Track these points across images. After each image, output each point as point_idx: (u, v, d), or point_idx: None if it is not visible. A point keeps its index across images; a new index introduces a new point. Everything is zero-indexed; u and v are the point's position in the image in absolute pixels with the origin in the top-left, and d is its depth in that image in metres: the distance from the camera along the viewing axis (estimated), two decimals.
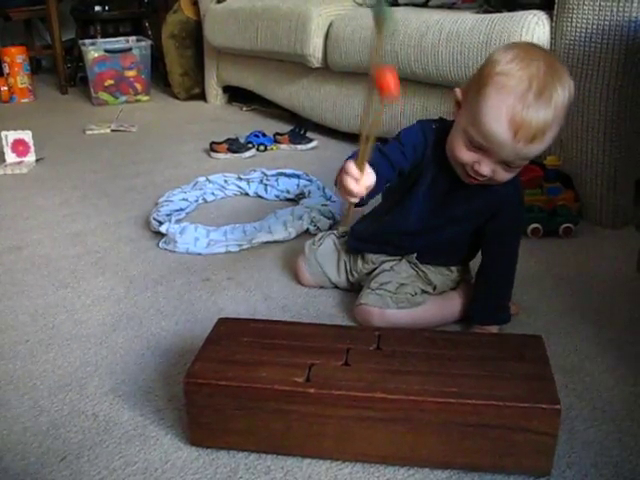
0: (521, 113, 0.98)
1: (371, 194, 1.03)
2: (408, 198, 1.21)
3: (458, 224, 1.22)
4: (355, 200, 0.99)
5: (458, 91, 1.10)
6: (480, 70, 1.06)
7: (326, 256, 1.39)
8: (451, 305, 1.25)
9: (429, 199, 1.19)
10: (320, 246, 1.41)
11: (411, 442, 0.87)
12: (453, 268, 1.29)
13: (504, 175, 1.08)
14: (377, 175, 1.00)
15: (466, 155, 1.07)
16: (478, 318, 1.21)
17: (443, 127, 1.15)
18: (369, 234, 1.32)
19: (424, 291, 1.25)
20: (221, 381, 0.90)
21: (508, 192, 1.16)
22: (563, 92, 1.00)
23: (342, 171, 0.97)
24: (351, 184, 0.95)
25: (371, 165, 0.98)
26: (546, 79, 0.99)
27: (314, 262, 1.39)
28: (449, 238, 1.24)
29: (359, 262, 1.34)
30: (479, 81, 1.03)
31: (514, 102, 0.98)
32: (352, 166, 0.95)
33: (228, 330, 1.02)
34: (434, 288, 1.26)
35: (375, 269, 1.30)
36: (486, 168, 1.06)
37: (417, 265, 1.26)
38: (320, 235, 1.44)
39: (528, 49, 1.04)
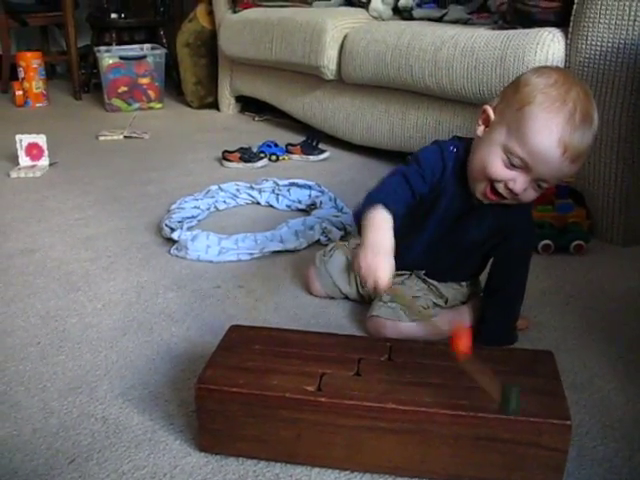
0: (570, 134, 1.00)
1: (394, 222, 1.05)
2: (421, 222, 1.21)
3: (465, 252, 1.23)
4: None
5: (489, 108, 1.10)
6: (516, 89, 1.06)
7: (337, 267, 1.39)
8: (463, 318, 1.25)
9: (441, 224, 1.19)
10: (331, 257, 1.41)
11: (421, 454, 0.87)
12: (463, 283, 1.29)
13: (532, 194, 1.09)
14: (398, 200, 1.06)
15: (503, 172, 1.06)
16: (486, 340, 1.19)
17: (462, 148, 1.15)
18: None
19: (436, 304, 1.25)
20: (232, 388, 0.90)
21: (519, 214, 1.16)
22: (597, 118, 1.04)
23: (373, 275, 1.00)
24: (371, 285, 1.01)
25: (393, 190, 1.06)
26: (587, 104, 1.02)
27: (325, 273, 1.39)
28: (456, 262, 1.26)
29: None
30: (520, 100, 1.04)
31: (563, 122, 1.00)
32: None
33: (240, 337, 1.02)
34: (446, 301, 1.26)
35: None
36: (520, 186, 1.06)
37: (427, 280, 1.26)
38: (331, 246, 1.44)
39: (566, 74, 1.07)
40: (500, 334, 1.21)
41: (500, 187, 1.08)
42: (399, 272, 1.28)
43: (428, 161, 1.15)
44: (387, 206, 1.04)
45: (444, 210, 1.18)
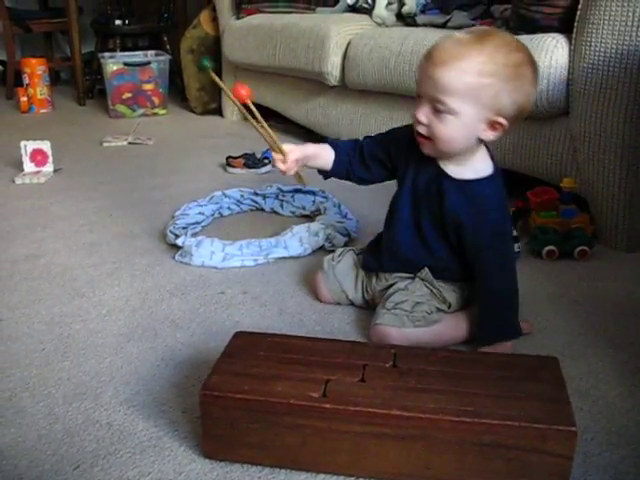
0: (436, 43, 1.11)
1: (336, 166, 1.31)
2: (398, 200, 1.27)
3: (447, 232, 1.22)
4: (290, 172, 1.27)
5: None
6: None
7: (345, 272, 1.39)
8: (467, 323, 1.25)
9: (414, 194, 1.24)
10: (339, 262, 1.41)
11: (426, 460, 0.87)
12: (465, 286, 1.29)
13: (438, 126, 1.11)
14: (337, 148, 1.31)
15: (414, 109, 1.15)
16: (482, 338, 1.20)
17: None
18: (378, 250, 1.35)
19: (439, 309, 1.25)
20: (237, 394, 0.90)
21: (482, 191, 1.18)
22: (492, 47, 1.07)
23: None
24: (279, 164, 1.25)
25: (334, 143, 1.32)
26: (478, 32, 1.11)
27: (333, 278, 1.39)
28: (437, 248, 1.25)
29: (373, 279, 1.34)
30: None
31: (440, 38, 1.12)
32: (273, 153, 1.27)
33: (244, 344, 1.02)
34: (449, 306, 1.26)
35: (389, 287, 1.30)
36: (421, 113, 1.13)
37: (432, 283, 1.26)
38: (340, 251, 1.44)
39: None
40: (495, 329, 1.20)
41: (415, 125, 1.16)
42: (402, 275, 1.29)
43: (394, 130, 1.32)
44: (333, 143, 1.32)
45: (413, 178, 1.24)
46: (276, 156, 1.26)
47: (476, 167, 1.19)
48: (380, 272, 1.33)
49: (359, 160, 1.31)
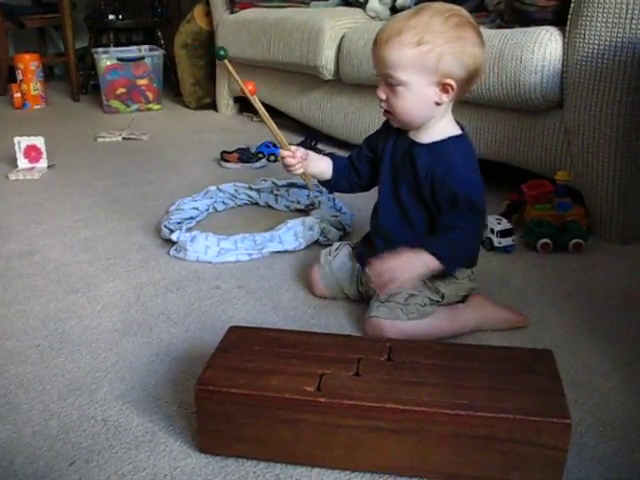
0: (384, 25, 1.19)
1: (336, 174, 1.38)
2: (380, 183, 1.32)
3: (415, 197, 1.25)
4: (298, 170, 1.32)
5: None
6: None
7: (341, 266, 1.39)
8: (462, 316, 1.25)
9: (392, 165, 1.30)
10: (336, 257, 1.41)
11: (421, 453, 0.87)
12: (458, 274, 1.29)
13: (393, 99, 1.20)
14: (335, 158, 1.40)
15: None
16: (430, 246, 1.19)
17: None
18: (368, 238, 1.38)
19: (432, 301, 1.25)
20: (232, 389, 0.90)
21: (449, 147, 1.22)
22: (427, 17, 1.15)
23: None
24: (288, 159, 1.31)
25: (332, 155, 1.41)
26: (416, 10, 1.17)
27: (329, 272, 1.39)
28: (417, 220, 1.27)
29: (367, 271, 1.34)
30: None
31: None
32: (280, 150, 1.31)
33: (239, 338, 1.02)
34: (442, 297, 1.26)
35: None
36: (380, 90, 1.21)
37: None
38: (336, 245, 1.45)
39: None
40: (438, 245, 1.19)
41: (378, 103, 1.24)
42: None
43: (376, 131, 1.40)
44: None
45: (391, 154, 1.30)
46: (284, 152, 1.32)
47: (443, 130, 1.24)
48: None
49: (352, 167, 1.40)
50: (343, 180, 1.40)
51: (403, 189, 1.28)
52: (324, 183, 1.42)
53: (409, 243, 1.21)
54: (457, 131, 1.26)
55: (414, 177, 1.25)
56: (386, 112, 1.24)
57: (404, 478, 0.90)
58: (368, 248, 1.36)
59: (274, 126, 1.34)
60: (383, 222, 1.33)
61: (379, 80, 1.22)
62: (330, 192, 1.47)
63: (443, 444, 0.87)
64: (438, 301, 1.26)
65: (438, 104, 1.19)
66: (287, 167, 1.33)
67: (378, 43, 1.18)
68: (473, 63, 1.16)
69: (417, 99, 1.18)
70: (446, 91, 1.17)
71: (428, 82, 1.16)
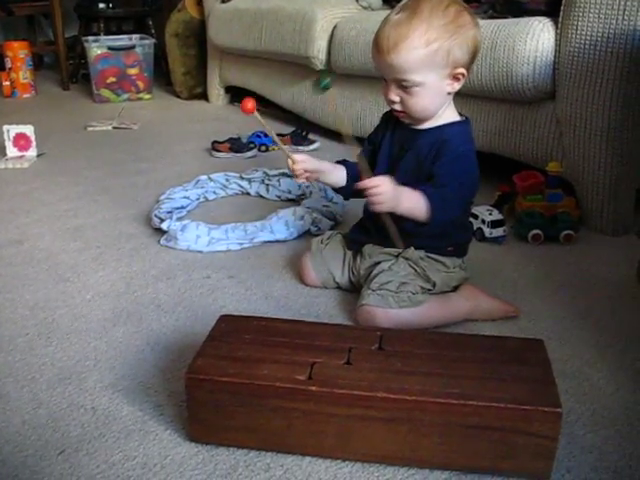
0: (380, 32, 1.17)
1: (350, 180, 1.33)
2: (374, 170, 1.29)
3: (411, 178, 1.24)
4: (302, 179, 1.31)
5: None
6: None
7: (333, 254, 1.39)
8: (453, 305, 1.25)
9: (391, 150, 1.31)
10: (327, 245, 1.41)
11: (412, 442, 0.87)
12: (449, 263, 1.29)
13: (410, 100, 1.20)
14: (347, 165, 1.36)
15: (383, 91, 1.24)
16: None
17: None
18: (362, 224, 1.38)
19: (424, 289, 1.25)
20: (222, 377, 0.90)
21: (449, 132, 1.23)
22: (426, 14, 1.15)
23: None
24: (290, 165, 1.28)
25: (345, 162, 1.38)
26: (408, 6, 1.17)
27: (320, 260, 1.39)
28: None
29: (358, 259, 1.35)
30: None
31: (380, 26, 1.18)
32: (288, 161, 1.29)
33: (230, 327, 1.02)
34: (434, 285, 1.26)
35: (372, 267, 1.30)
36: (391, 94, 1.21)
37: (416, 262, 1.26)
38: (328, 234, 1.45)
39: None
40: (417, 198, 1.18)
41: (388, 103, 1.24)
42: (386, 252, 1.30)
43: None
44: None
45: (390, 141, 1.31)
46: (288, 164, 1.30)
47: (446, 117, 1.25)
48: (367, 244, 1.33)
49: None
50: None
51: (399, 176, 1.24)
52: (339, 190, 1.38)
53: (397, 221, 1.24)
54: (459, 118, 1.28)
55: (415, 160, 1.25)
56: (398, 112, 1.24)
57: (395, 467, 0.90)
58: (362, 234, 1.36)
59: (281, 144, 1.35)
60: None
61: (388, 84, 1.21)
62: (346, 199, 1.44)
63: (434, 433, 0.87)
64: (430, 289, 1.26)
65: (450, 93, 1.22)
66: (293, 173, 1.31)
67: (384, 50, 1.16)
68: (474, 44, 1.19)
69: (432, 95, 1.20)
70: (457, 80, 1.20)
71: (441, 76, 1.18)
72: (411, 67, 1.16)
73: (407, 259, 1.26)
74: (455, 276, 1.30)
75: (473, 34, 1.18)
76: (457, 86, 1.21)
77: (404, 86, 1.19)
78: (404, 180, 1.23)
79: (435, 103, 1.22)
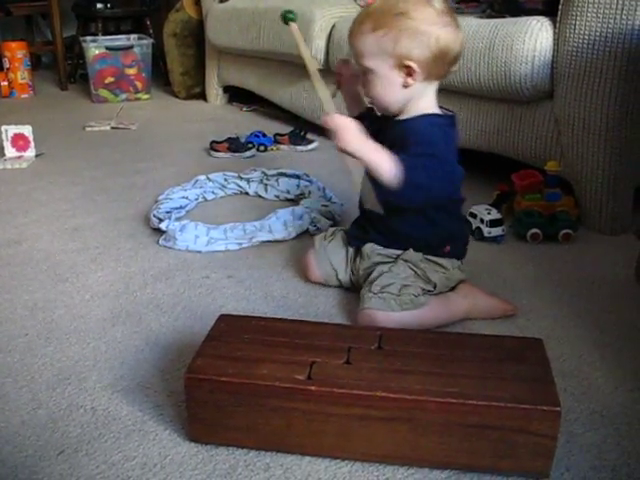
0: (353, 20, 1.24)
1: None
2: None
3: None
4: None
5: None
6: None
7: (335, 250, 1.40)
8: (452, 305, 1.25)
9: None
10: (331, 241, 1.41)
11: (411, 441, 0.87)
12: (447, 265, 1.29)
13: (367, 87, 1.25)
14: None
15: None
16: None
17: None
18: (357, 218, 1.41)
19: (425, 291, 1.25)
20: (222, 377, 0.90)
21: (420, 120, 1.24)
22: (385, 5, 1.19)
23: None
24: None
25: None
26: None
27: (324, 255, 1.40)
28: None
29: (357, 259, 1.35)
30: None
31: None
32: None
33: (229, 327, 1.02)
34: (434, 286, 1.26)
35: (371, 268, 1.30)
36: (361, 82, 1.28)
37: (416, 264, 1.26)
38: (331, 230, 1.45)
39: None
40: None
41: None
42: (384, 254, 1.30)
43: None
44: None
45: (369, 126, 1.25)
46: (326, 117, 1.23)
47: (419, 110, 1.25)
48: (367, 242, 1.33)
49: None
50: None
51: None
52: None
53: (381, 224, 1.30)
54: (436, 111, 1.27)
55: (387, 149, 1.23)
56: (371, 103, 1.30)
57: (394, 466, 0.90)
58: (360, 231, 1.37)
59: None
60: (362, 198, 1.36)
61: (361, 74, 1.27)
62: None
63: (433, 432, 0.87)
64: (430, 290, 1.26)
65: (406, 87, 1.22)
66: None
67: (348, 37, 1.25)
68: (435, 44, 1.17)
69: (384, 84, 1.22)
70: (410, 74, 1.20)
71: (390, 65, 1.20)
72: (363, 51, 1.21)
73: (406, 261, 1.27)
74: (454, 277, 1.30)
75: (432, 31, 1.17)
76: (411, 81, 1.20)
77: (364, 73, 1.24)
78: None
79: (390, 94, 1.23)
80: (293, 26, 1.30)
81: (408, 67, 1.19)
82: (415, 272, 1.25)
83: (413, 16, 1.16)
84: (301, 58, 1.34)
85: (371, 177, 1.20)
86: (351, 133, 1.16)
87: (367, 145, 1.17)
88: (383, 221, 1.30)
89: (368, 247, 1.33)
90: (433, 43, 1.17)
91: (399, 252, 1.29)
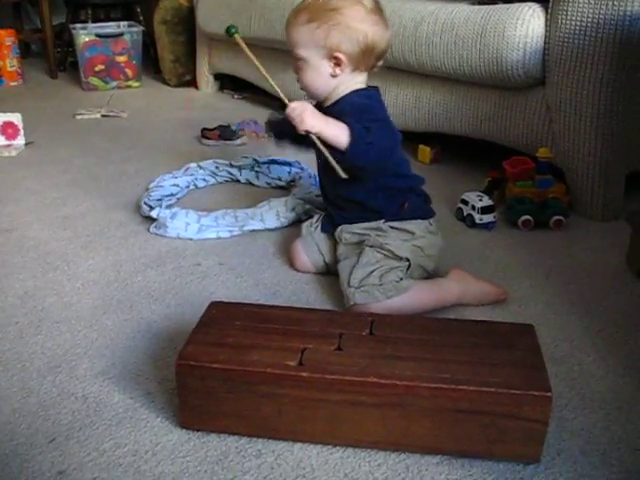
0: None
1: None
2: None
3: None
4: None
5: None
6: None
7: (322, 236, 1.41)
8: (443, 289, 1.25)
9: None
10: (317, 227, 1.43)
11: (403, 427, 0.88)
12: (414, 229, 1.30)
13: (299, 74, 1.34)
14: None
15: None
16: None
17: None
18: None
19: (401, 270, 1.25)
20: (213, 364, 0.90)
21: (345, 99, 1.32)
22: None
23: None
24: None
25: None
26: None
27: (311, 241, 1.41)
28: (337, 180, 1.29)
29: (336, 245, 1.38)
30: None
31: None
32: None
33: (220, 313, 1.02)
34: (407, 260, 1.26)
35: (341, 257, 1.32)
36: (293, 69, 1.35)
37: (381, 246, 1.26)
38: (317, 217, 1.46)
39: None
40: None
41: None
42: (352, 240, 1.33)
43: None
44: None
45: None
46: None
47: (346, 91, 1.32)
48: (336, 226, 1.38)
49: None
50: None
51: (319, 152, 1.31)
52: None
53: (339, 200, 1.37)
54: (359, 87, 1.33)
55: None
56: (302, 88, 1.37)
57: (386, 452, 0.91)
58: (327, 216, 1.43)
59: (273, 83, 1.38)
60: (321, 183, 1.46)
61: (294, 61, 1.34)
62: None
63: (425, 418, 0.87)
64: (407, 267, 1.26)
65: (334, 76, 1.30)
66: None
67: (286, 24, 1.33)
68: (364, 39, 1.26)
69: (315, 72, 1.31)
70: (338, 65, 1.28)
71: (320, 55, 1.28)
72: (297, 41, 1.30)
73: (371, 247, 1.28)
74: (427, 242, 1.31)
75: (361, 28, 1.25)
76: (339, 71, 1.29)
77: (297, 61, 1.32)
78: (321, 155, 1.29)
79: (318, 82, 1.32)
80: (237, 37, 1.38)
81: (337, 58, 1.27)
82: (383, 255, 1.26)
83: (344, 13, 1.25)
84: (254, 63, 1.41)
85: (329, 147, 1.26)
86: (308, 114, 1.24)
87: (324, 120, 1.25)
88: (341, 196, 1.36)
89: (338, 230, 1.37)
90: (361, 39, 1.26)
91: (365, 225, 1.32)
